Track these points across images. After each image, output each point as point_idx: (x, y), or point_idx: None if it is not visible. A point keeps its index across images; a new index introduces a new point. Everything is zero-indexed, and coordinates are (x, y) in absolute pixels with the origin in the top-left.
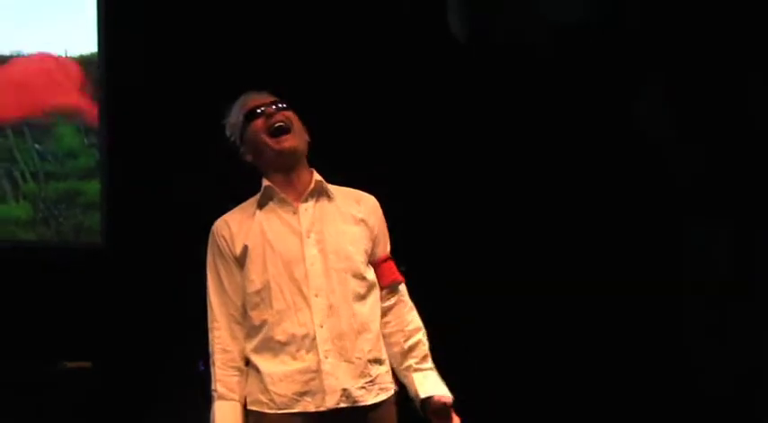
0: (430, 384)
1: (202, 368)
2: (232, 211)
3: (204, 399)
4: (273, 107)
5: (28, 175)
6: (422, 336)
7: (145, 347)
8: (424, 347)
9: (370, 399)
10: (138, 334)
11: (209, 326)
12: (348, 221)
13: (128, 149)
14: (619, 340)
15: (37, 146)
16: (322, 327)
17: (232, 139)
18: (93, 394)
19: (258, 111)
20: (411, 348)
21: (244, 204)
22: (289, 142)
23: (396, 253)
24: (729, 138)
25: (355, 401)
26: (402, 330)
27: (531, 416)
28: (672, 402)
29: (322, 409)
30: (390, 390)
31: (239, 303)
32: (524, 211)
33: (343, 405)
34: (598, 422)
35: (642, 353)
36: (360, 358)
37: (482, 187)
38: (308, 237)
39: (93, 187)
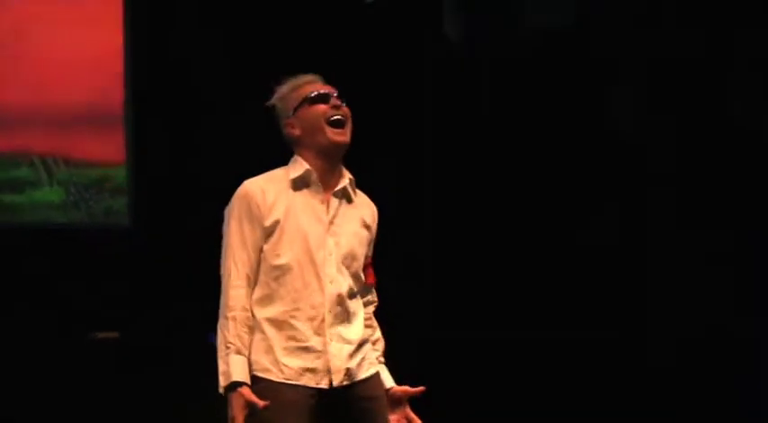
0: (388, 376)
1: (212, 340)
2: (265, 179)
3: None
4: (339, 100)
5: (61, 162)
6: (380, 333)
7: (165, 319)
8: (383, 343)
9: (362, 374)
10: (161, 303)
11: (229, 282)
12: (361, 225)
13: (150, 141)
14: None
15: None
16: (330, 312)
17: (280, 109)
18: (121, 362)
19: (326, 97)
20: (376, 342)
21: (275, 174)
22: (343, 137)
23: None
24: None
25: (353, 378)
26: (372, 326)
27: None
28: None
29: (323, 385)
30: (376, 364)
31: (257, 267)
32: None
33: (345, 383)
34: None
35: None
36: (355, 340)
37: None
38: (330, 229)
39: (120, 174)
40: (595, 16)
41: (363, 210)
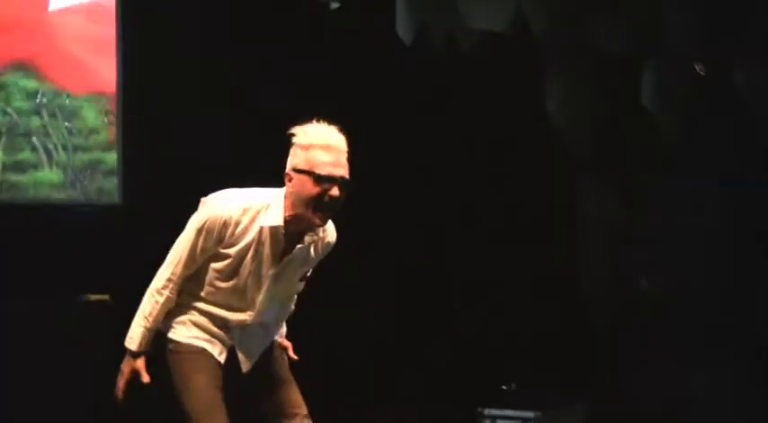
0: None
1: None
2: (242, 209)
3: None
4: (337, 187)
5: (60, 148)
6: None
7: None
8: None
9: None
10: (147, 272)
11: (166, 275)
12: (307, 265)
13: (139, 127)
14: None
15: (66, 124)
16: (246, 332)
17: (292, 148)
18: (112, 321)
19: (324, 180)
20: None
21: (254, 205)
22: (321, 222)
23: None
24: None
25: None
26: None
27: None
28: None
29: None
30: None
31: (190, 274)
32: None
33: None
34: None
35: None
36: (268, 340)
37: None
38: (275, 279)
39: (112, 157)
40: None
41: (317, 251)
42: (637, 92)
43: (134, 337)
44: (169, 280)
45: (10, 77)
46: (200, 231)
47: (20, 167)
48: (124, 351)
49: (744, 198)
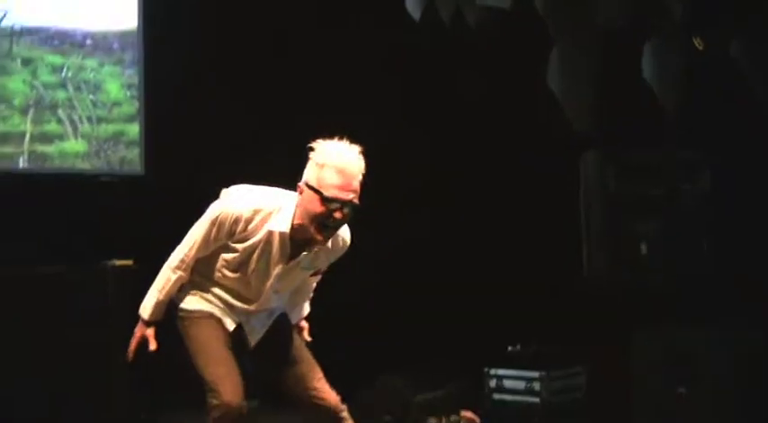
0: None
1: None
2: (253, 209)
3: None
4: (341, 210)
5: (84, 120)
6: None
7: (172, 249)
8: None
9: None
10: (168, 239)
11: (180, 255)
12: (318, 265)
13: (160, 101)
14: None
15: (91, 97)
16: (251, 317)
17: (310, 161)
18: (135, 286)
19: (331, 202)
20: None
21: (265, 207)
22: (322, 239)
23: None
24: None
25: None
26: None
27: None
28: None
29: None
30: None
31: (204, 257)
32: None
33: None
34: None
35: None
36: (271, 320)
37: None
38: (279, 278)
39: (134, 129)
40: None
41: (327, 254)
42: (638, 66)
43: (147, 307)
44: (182, 261)
45: (37, 52)
46: (213, 222)
47: (47, 138)
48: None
49: (741, 169)
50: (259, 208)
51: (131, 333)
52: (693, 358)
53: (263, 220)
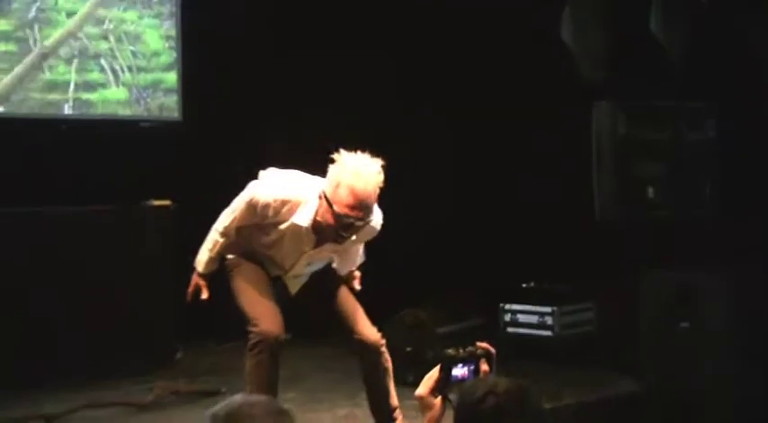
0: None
1: None
2: (282, 200)
3: None
4: (349, 226)
5: (125, 69)
6: None
7: (209, 192)
8: None
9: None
10: (203, 181)
11: (225, 221)
12: (349, 245)
13: (196, 51)
14: None
15: (131, 47)
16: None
17: (330, 173)
18: (173, 224)
19: (341, 217)
20: None
21: (293, 196)
22: (341, 242)
23: None
24: None
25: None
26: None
27: None
28: None
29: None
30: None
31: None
32: None
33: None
34: None
35: None
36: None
37: None
38: (309, 257)
39: (172, 77)
40: None
41: (358, 237)
42: (646, 19)
43: (200, 261)
44: (225, 228)
45: (81, 5)
46: (247, 204)
47: (90, 86)
48: (185, 250)
49: (744, 118)
50: (287, 199)
51: (168, 269)
52: (695, 295)
53: (290, 211)
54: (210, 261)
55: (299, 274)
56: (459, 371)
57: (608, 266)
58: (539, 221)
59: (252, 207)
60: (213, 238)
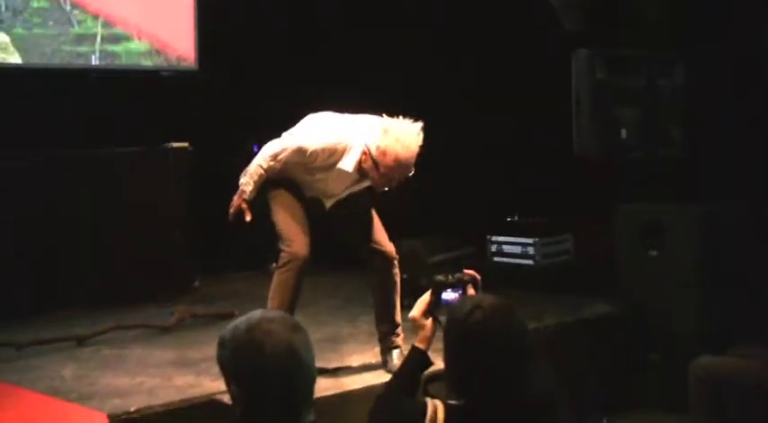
0: None
1: (255, 149)
2: (326, 146)
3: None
4: (393, 183)
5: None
6: None
7: (223, 135)
8: None
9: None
10: (218, 125)
11: (270, 153)
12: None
13: (211, 6)
14: None
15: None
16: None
17: (379, 141)
18: (191, 165)
19: (385, 176)
20: None
21: (339, 143)
22: (383, 191)
23: None
24: None
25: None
26: None
27: None
28: None
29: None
30: None
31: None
32: None
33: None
34: None
35: None
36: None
37: None
38: (349, 189)
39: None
40: None
41: None
42: None
43: (245, 186)
44: (272, 165)
45: None
46: (293, 151)
47: (115, 39)
48: (202, 188)
49: (711, 67)
50: (333, 148)
51: (188, 205)
52: (664, 227)
53: (336, 157)
54: (254, 187)
55: (336, 196)
56: (448, 295)
57: (585, 201)
58: (524, 160)
59: (300, 153)
60: (256, 168)
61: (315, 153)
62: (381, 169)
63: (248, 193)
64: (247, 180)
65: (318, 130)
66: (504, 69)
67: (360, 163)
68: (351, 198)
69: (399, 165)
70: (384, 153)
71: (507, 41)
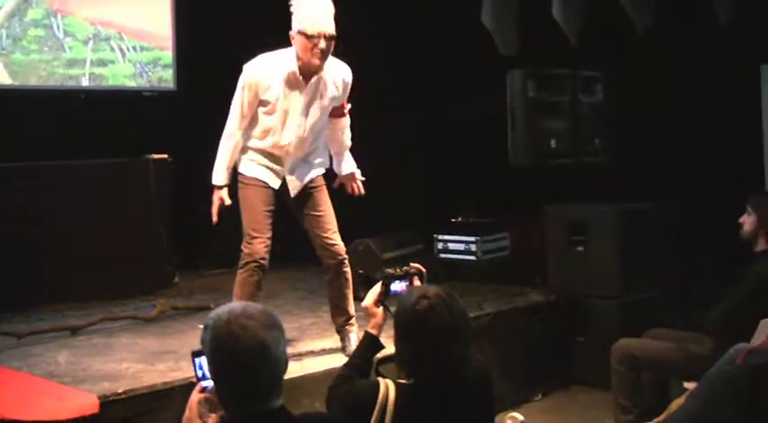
0: (348, 164)
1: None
2: (267, 63)
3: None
4: (327, 37)
5: (130, 48)
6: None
7: (196, 146)
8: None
9: (308, 178)
10: (195, 139)
11: (229, 127)
12: (334, 98)
13: (189, 34)
14: None
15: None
16: (292, 149)
17: (293, 17)
18: (170, 174)
19: (313, 39)
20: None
21: (276, 59)
22: (323, 61)
23: None
24: None
25: (300, 187)
26: (345, 133)
27: None
28: None
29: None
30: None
31: (249, 117)
32: None
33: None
34: None
35: None
36: (308, 166)
37: None
38: (305, 107)
39: (168, 56)
40: None
41: (335, 86)
42: (549, 6)
43: (216, 175)
44: (231, 130)
45: None
46: (243, 88)
47: (102, 63)
48: (180, 195)
49: (626, 85)
50: (267, 60)
51: (166, 210)
52: (588, 225)
53: (274, 69)
54: (224, 172)
55: (301, 148)
56: (397, 286)
57: (520, 203)
58: (465, 166)
59: (249, 84)
60: (222, 149)
61: (255, 72)
62: (306, 30)
63: (219, 176)
64: (215, 168)
65: (254, 59)
66: (452, 87)
67: (298, 60)
68: (312, 195)
69: (317, 16)
70: (300, 16)
71: (455, 64)
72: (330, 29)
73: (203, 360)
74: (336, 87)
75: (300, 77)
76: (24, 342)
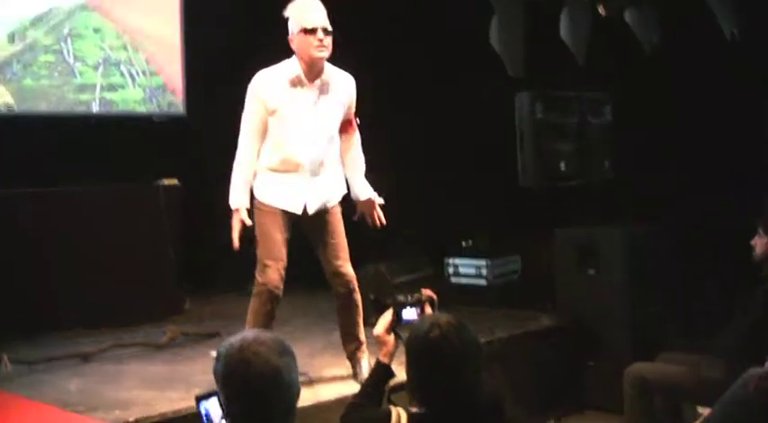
0: (363, 188)
1: None
2: (270, 74)
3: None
4: (325, 30)
5: (141, 73)
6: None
7: (206, 171)
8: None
9: (329, 203)
10: (204, 164)
11: (242, 148)
12: (340, 105)
13: (197, 60)
14: None
15: (145, 55)
16: (308, 164)
17: (289, 23)
18: (180, 199)
19: (312, 33)
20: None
21: (279, 69)
22: (324, 52)
23: None
24: None
25: (319, 207)
26: (356, 150)
27: None
28: None
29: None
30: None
31: (262, 131)
32: None
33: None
34: None
35: None
36: (330, 193)
37: None
38: (315, 114)
39: (177, 80)
40: None
41: (340, 93)
42: (556, 28)
43: (233, 199)
44: (244, 149)
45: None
46: (251, 100)
47: (112, 88)
48: (190, 220)
49: (635, 106)
50: (274, 67)
51: (176, 235)
52: (598, 249)
53: (279, 74)
54: (240, 195)
55: (314, 160)
56: (408, 313)
57: (530, 226)
58: (477, 191)
59: (255, 96)
60: (236, 172)
61: (260, 83)
62: (304, 26)
63: (235, 202)
64: (231, 193)
65: (258, 73)
66: (462, 109)
67: (301, 62)
68: (327, 222)
69: (310, 10)
70: (295, 16)
71: (466, 86)
72: (327, 23)
73: (209, 404)
74: (341, 91)
75: (305, 79)
76: (35, 369)
